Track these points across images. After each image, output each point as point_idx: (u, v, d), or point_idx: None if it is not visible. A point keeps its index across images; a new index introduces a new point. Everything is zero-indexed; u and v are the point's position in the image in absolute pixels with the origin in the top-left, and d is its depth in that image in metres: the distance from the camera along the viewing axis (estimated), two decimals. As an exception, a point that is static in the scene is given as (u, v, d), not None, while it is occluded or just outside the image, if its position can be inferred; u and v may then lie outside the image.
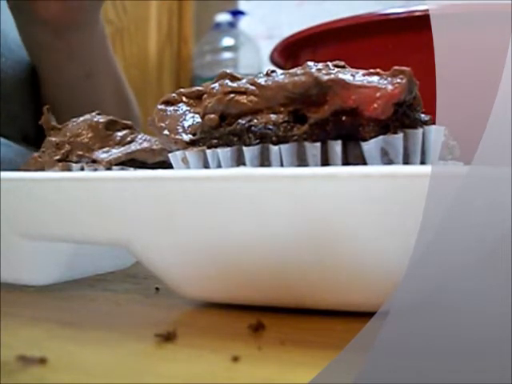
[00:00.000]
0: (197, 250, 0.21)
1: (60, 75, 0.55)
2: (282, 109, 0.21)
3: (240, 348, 0.17)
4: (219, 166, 0.22)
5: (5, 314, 0.21)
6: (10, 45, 0.56)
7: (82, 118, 0.32)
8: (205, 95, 0.23)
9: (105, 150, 0.31)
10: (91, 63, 0.55)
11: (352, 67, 0.22)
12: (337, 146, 0.21)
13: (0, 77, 0.53)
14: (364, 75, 0.21)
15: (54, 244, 0.25)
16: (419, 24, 0.34)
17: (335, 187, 0.18)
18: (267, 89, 0.22)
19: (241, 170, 0.20)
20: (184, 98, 0.25)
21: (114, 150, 0.31)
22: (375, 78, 0.21)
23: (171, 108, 0.25)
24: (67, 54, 0.53)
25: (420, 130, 0.21)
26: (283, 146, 0.21)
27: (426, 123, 0.22)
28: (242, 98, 0.22)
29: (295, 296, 0.21)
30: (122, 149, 0.31)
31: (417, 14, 0.35)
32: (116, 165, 0.30)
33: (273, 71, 0.23)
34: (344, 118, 0.21)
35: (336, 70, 0.21)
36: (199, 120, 0.24)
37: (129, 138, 0.32)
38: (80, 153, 0.31)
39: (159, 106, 0.25)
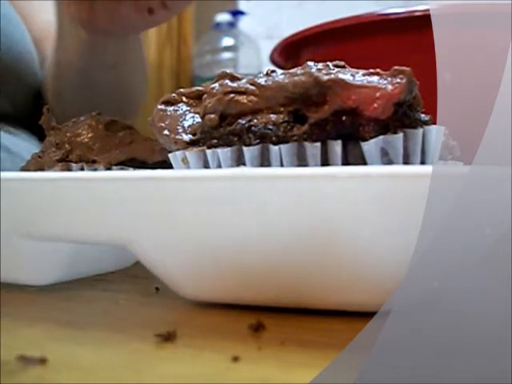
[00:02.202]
0: (197, 250, 0.21)
1: (85, 66, 0.54)
2: (282, 109, 0.21)
3: (240, 348, 0.17)
4: (219, 166, 0.22)
5: (5, 314, 0.21)
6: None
7: (82, 118, 0.32)
8: (205, 95, 0.23)
9: (105, 150, 0.31)
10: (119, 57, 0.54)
11: (352, 67, 0.22)
12: (337, 146, 0.21)
13: None
14: (364, 75, 0.21)
15: (54, 244, 0.25)
16: (419, 24, 0.34)
17: (335, 187, 0.18)
18: (267, 89, 0.22)
19: (241, 169, 0.20)
20: (184, 98, 0.25)
21: (113, 150, 0.31)
22: (375, 78, 0.21)
23: (171, 108, 0.25)
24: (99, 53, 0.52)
25: (420, 130, 0.21)
26: (283, 146, 0.21)
27: (426, 123, 0.22)
28: (242, 98, 0.22)
29: (295, 296, 0.20)
30: (122, 149, 0.31)
31: (417, 14, 0.35)
32: (116, 165, 0.30)
33: (273, 71, 0.23)
34: (344, 117, 0.21)
35: (336, 70, 0.21)
36: (199, 120, 0.24)
37: (129, 138, 0.32)
38: (80, 153, 0.31)
39: (159, 106, 0.25)
